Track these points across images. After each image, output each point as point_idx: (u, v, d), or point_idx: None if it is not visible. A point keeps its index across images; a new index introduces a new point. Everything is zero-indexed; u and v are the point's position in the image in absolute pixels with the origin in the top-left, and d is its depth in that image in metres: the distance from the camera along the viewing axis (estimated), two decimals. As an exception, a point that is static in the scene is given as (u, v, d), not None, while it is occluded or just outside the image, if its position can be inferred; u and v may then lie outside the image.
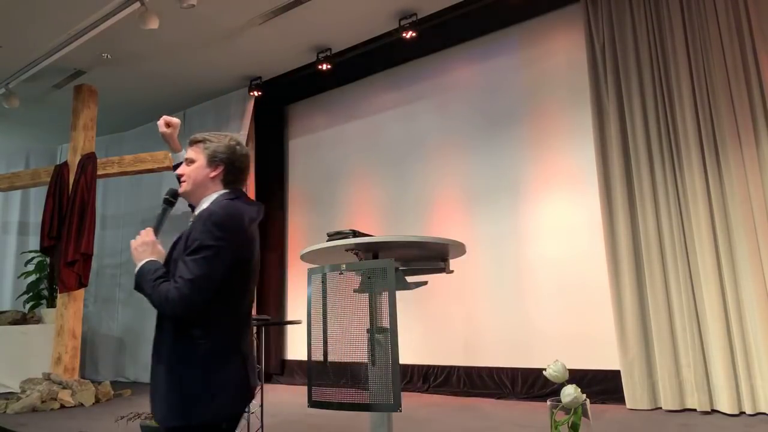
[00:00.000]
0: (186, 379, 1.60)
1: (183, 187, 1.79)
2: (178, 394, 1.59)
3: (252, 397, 1.73)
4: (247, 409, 3.51)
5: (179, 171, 1.82)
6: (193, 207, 1.85)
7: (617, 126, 4.58)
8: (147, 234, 1.74)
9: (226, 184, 1.80)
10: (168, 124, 1.95)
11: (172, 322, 1.64)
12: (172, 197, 1.82)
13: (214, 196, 1.77)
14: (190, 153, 1.81)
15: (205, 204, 1.77)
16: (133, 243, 1.73)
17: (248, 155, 1.88)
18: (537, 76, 5.41)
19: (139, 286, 1.67)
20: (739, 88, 4.08)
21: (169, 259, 1.73)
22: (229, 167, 1.79)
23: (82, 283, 6.06)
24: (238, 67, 6.48)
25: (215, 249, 1.60)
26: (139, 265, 1.68)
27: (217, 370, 1.61)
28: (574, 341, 4.75)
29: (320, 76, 6.27)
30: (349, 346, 2.22)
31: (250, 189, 7.01)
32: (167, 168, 6.41)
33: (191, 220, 1.76)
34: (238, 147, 1.83)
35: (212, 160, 1.78)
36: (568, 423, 1.62)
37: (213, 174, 1.78)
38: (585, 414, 1.62)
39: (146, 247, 1.72)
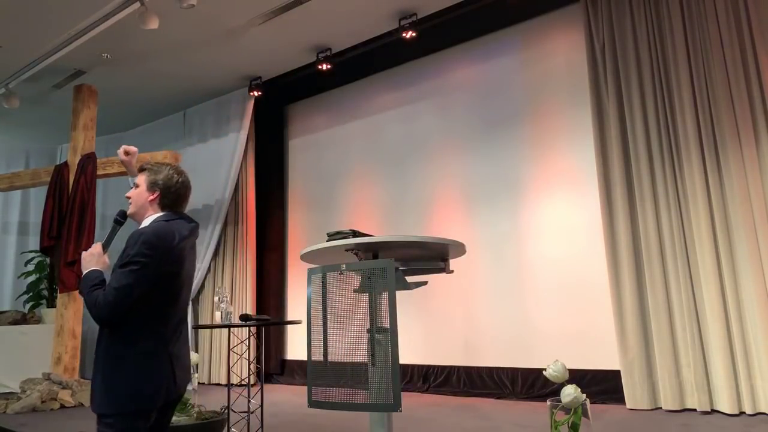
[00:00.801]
0: (118, 374, 1.86)
1: (129, 209, 2.09)
2: (110, 386, 1.86)
3: (178, 391, 1.97)
4: (247, 409, 3.51)
5: (128, 194, 2.12)
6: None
7: (617, 126, 4.58)
8: (95, 247, 2.02)
9: (162, 207, 2.08)
10: (126, 153, 2.24)
11: (109, 326, 1.91)
12: (121, 217, 2.10)
13: (153, 217, 2.06)
14: (138, 179, 2.12)
15: (145, 223, 2.04)
16: (84, 254, 2.00)
17: (187, 183, 2.16)
18: (537, 77, 5.41)
19: (81, 291, 1.97)
20: (739, 88, 4.08)
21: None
22: (165, 192, 2.08)
23: (82, 283, 6.05)
24: (238, 67, 6.48)
25: (142, 264, 1.87)
26: (84, 272, 1.96)
27: (145, 368, 1.88)
28: (574, 341, 4.76)
29: (320, 76, 6.27)
30: (349, 346, 2.22)
31: (250, 189, 7.03)
32: (167, 168, 6.40)
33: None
34: (175, 176, 2.12)
35: (151, 186, 2.08)
36: (568, 423, 1.62)
37: (151, 198, 2.07)
38: (585, 414, 1.62)
39: (92, 258, 1.99)
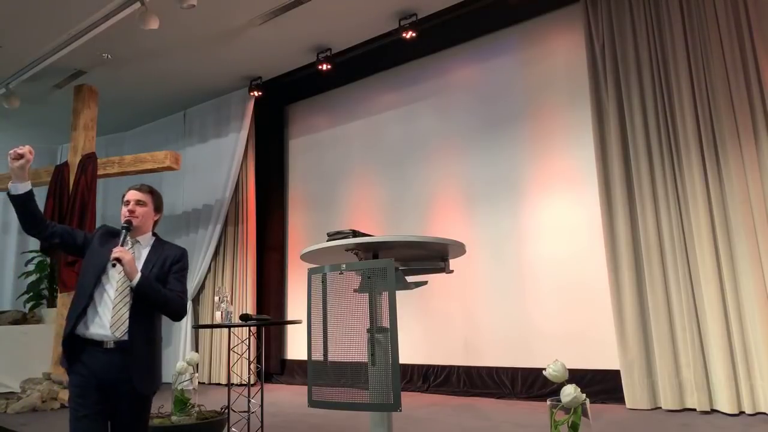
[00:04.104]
0: (159, 358, 2.33)
1: (136, 221, 2.36)
2: (156, 368, 2.30)
3: None
4: (247, 409, 3.52)
5: (133, 208, 2.37)
6: (124, 233, 2.32)
7: (617, 126, 4.58)
8: (128, 252, 2.23)
9: (154, 228, 2.47)
10: (22, 156, 2.27)
11: (153, 318, 2.30)
12: (130, 226, 2.35)
13: (150, 234, 2.43)
14: (141, 196, 2.40)
15: (146, 237, 2.40)
16: (127, 257, 2.20)
17: None
18: (537, 77, 5.42)
19: (144, 290, 2.21)
20: (738, 88, 4.08)
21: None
22: (160, 218, 2.50)
23: (83, 283, 6.06)
24: (238, 67, 6.48)
25: (187, 272, 2.46)
26: (140, 274, 2.23)
27: (161, 353, 2.37)
28: (574, 341, 4.76)
29: (320, 76, 6.27)
30: (349, 346, 2.23)
31: (251, 189, 7.04)
32: (168, 168, 6.42)
33: (129, 242, 2.33)
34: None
35: (157, 209, 2.46)
36: (568, 423, 1.62)
37: (155, 218, 2.47)
38: (585, 414, 1.62)
39: (134, 262, 2.24)
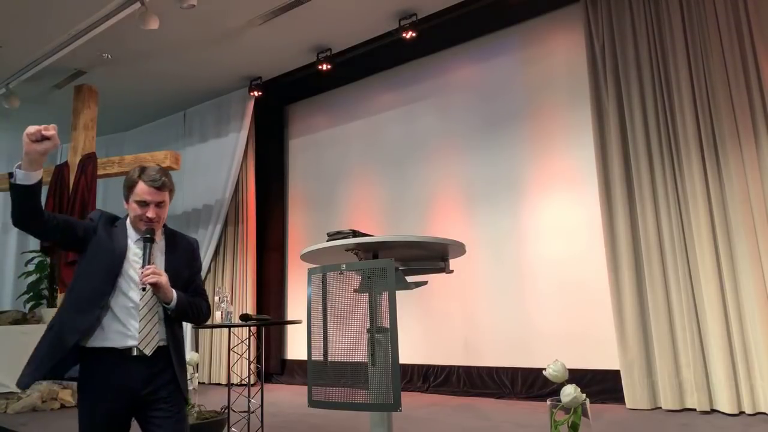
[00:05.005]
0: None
1: (157, 227, 2.09)
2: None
3: None
4: (247, 409, 3.51)
5: (153, 213, 2.04)
6: (148, 247, 2.04)
7: (617, 126, 4.58)
8: (162, 273, 1.99)
9: None
10: (47, 138, 1.90)
11: (180, 322, 2.13)
12: (153, 235, 2.07)
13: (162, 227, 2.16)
14: (161, 197, 2.06)
15: (159, 233, 2.12)
16: (163, 280, 1.97)
17: None
18: (537, 76, 5.42)
19: (182, 309, 2.05)
20: (738, 89, 4.08)
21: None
22: None
23: (83, 283, 6.05)
24: (238, 67, 6.48)
25: None
26: (176, 296, 2.03)
27: None
28: (574, 341, 4.76)
29: (320, 76, 6.27)
30: (349, 346, 2.23)
31: (251, 189, 7.03)
32: (168, 168, 6.40)
33: (147, 238, 2.03)
34: None
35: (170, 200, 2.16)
36: (567, 423, 1.62)
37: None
38: (585, 414, 1.62)
39: (169, 284, 2.01)
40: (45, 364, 1.89)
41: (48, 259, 7.09)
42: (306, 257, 2.58)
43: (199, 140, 7.43)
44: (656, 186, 4.36)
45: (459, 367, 5.43)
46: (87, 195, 6.16)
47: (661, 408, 4.13)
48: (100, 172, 6.42)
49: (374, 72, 6.56)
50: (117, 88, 6.77)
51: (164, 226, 2.16)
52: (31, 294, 7.19)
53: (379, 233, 2.57)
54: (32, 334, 6.41)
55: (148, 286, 1.94)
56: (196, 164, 7.31)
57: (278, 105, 7.43)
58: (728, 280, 3.94)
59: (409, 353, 5.52)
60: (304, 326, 2.40)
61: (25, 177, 1.81)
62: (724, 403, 3.84)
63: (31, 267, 7.28)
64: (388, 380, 2.14)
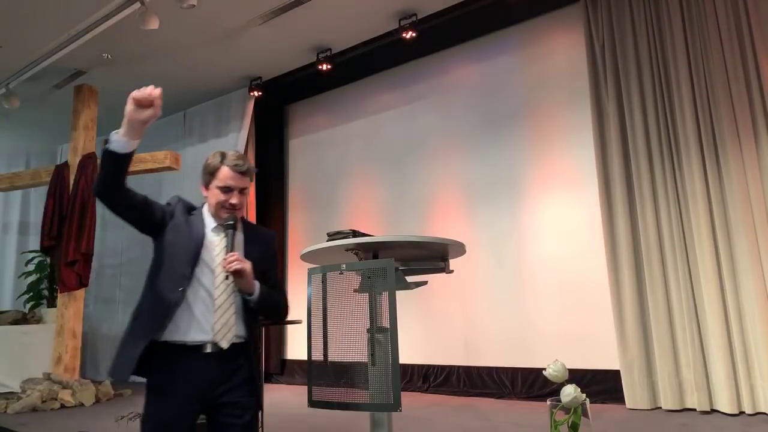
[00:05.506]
0: None
1: (239, 215, 1.99)
2: None
3: None
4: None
5: (237, 200, 1.95)
6: (231, 234, 1.93)
7: (617, 126, 4.58)
8: (246, 261, 1.87)
9: None
10: (151, 104, 1.78)
11: (256, 316, 2.01)
12: (236, 224, 1.97)
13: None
14: (246, 182, 1.98)
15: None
16: (248, 267, 1.87)
17: None
18: (537, 76, 5.42)
19: (264, 301, 1.95)
20: (738, 88, 4.08)
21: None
22: None
23: (83, 283, 6.07)
24: (238, 67, 6.48)
25: None
26: (258, 287, 1.93)
27: None
28: (574, 341, 4.76)
29: (320, 76, 6.27)
30: (349, 346, 2.23)
31: (251, 189, 7.02)
32: (168, 168, 6.39)
33: (229, 225, 1.93)
34: None
35: None
36: (567, 423, 1.62)
37: None
38: (585, 414, 1.62)
39: (252, 271, 1.90)
40: (135, 356, 1.78)
41: (48, 259, 7.10)
42: (306, 257, 2.58)
43: (199, 140, 7.43)
44: (656, 186, 4.36)
45: (459, 367, 5.43)
46: (87, 195, 6.16)
47: (661, 408, 4.13)
48: (100, 172, 6.41)
49: (374, 72, 6.56)
50: (117, 88, 6.72)
51: (241, 217, 2.05)
52: (31, 294, 7.20)
53: (379, 233, 2.57)
54: (32, 334, 6.42)
55: (231, 276, 1.83)
56: (196, 164, 7.26)
57: (278, 105, 7.43)
58: (728, 280, 3.94)
59: (409, 353, 5.52)
60: (304, 326, 2.40)
61: (121, 144, 1.73)
62: (724, 403, 3.84)
63: (31, 267, 7.29)
64: (388, 380, 2.14)
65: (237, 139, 6.94)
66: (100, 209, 7.28)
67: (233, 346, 1.88)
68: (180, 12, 4.86)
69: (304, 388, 2.37)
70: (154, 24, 4.82)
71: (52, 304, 6.94)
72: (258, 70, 6.62)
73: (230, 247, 1.88)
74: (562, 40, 5.31)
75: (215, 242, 1.94)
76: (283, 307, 2.09)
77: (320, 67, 6.06)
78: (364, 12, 5.37)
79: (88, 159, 6.30)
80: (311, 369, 2.28)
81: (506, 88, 5.59)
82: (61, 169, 6.37)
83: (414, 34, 5.41)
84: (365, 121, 6.67)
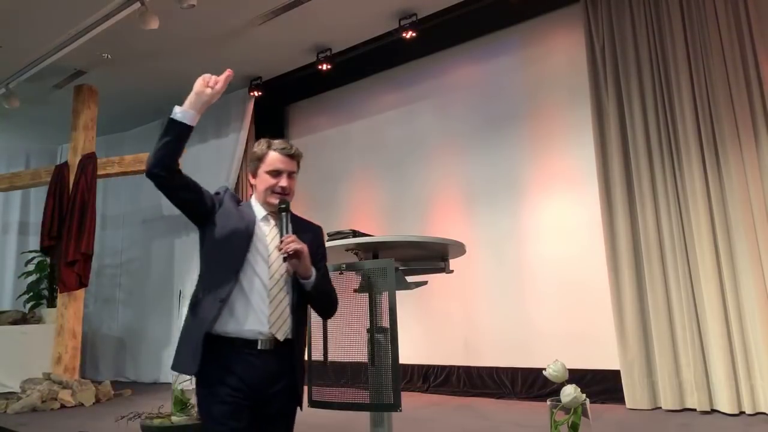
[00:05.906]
0: None
1: (289, 199, 1.93)
2: None
3: None
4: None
5: (287, 183, 1.90)
6: (285, 216, 1.87)
7: (617, 126, 4.58)
8: (303, 243, 1.80)
9: None
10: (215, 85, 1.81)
11: (307, 312, 1.96)
12: (288, 206, 1.91)
13: None
14: (294, 166, 1.94)
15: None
16: (305, 250, 1.80)
17: None
18: (537, 76, 5.42)
19: (321, 288, 1.88)
20: (738, 89, 4.08)
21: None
22: None
23: (83, 283, 6.07)
24: (238, 67, 6.46)
25: None
26: (314, 271, 1.85)
27: None
28: (574, 341, 4.75)
29: (320, 76, 6.27)
30: (349, 346, 2.23)
31: (251, 189, 7.02)
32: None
33: (283, 208, 1.87)
34: None
35: None
36: (567, 423, 1.62)
37: None
38: (585, 414, 1.62)
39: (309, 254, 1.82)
40: (199, 351, 1.72)
41: (48, 259, 7.09)
42: (306, 257, 2.58)
43: (199, 140, 7.42)
44: (656, 185, 4.35)
45: (459, 367, 5.42)
46: (87, 195, 6.16)
47: (661, 408, 4.13)
48: (100, 172, 6.41)
49: (374, 72, 6.56)
50: (117, 88, 6.76)
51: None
52: (31, 294, 7.19)
53: (379, 233, 2.57)
54: (32, 334, 6.42)
55: (288, 258, 1.76)
56: (196, 164, 7.29)
57: (278, 105, 7.43)
58: (728, 280, 3.94)
59: (409, 353, 5.52)
60: (304, 326, 2.39)
61: (190, 117, 1.76)
62: (724, 403, 3.84)
63: (31, 267, 7.28)
64: (388, 380, 2.14)
65: (237, 139, 6.94)
66: (100, 209, 7.29)
67: (283, 343, 1.80)
68: (180, 12, 4.85)
69: (305, 388, 2.37)
70: (154, 24, 4.82)
71: (52, 304, 6.94)
72: (258, 70, 6.62)
73: (286, 229, 1.81)
74: (562, 41, 5.31)
75: (266, 232, 1.89)
76: (334, 300, 1.98)
77: (320, 67, 6.06)
78: (364, 12, 5.37)
79: (88, 159, 6.30)
80: (311, 369, 2.28)
81: (506, 89, 5.59)
82: (61, 169, 6.37)
83: (414, 34, 5.40)
84: (366, 121, 6.67)
